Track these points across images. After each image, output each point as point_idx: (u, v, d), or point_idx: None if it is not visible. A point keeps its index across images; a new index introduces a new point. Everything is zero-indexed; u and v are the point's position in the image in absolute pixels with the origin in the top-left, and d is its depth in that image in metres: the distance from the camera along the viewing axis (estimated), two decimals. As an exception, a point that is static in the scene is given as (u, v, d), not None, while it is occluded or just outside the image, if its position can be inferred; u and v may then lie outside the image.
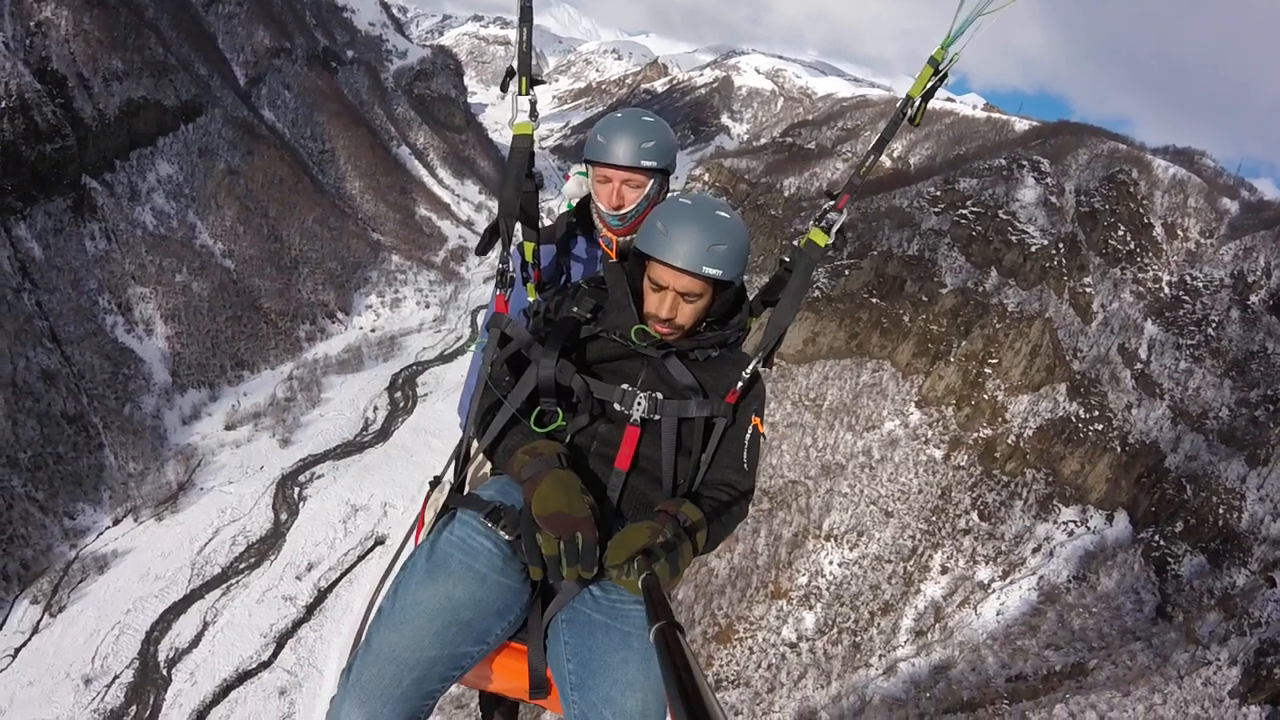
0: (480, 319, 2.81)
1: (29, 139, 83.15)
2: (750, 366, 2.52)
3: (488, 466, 2.64)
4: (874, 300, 70.36)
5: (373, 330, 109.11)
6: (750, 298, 2.75)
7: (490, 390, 2.49)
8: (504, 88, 2.73)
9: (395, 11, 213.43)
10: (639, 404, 2.36)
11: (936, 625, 54.29)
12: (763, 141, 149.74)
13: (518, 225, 2.84)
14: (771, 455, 64.03)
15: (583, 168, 3.07)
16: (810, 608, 56.21)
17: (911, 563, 57.53)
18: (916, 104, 2.67)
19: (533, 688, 2.16)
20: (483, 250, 2.88)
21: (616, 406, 2.39)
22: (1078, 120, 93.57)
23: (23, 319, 75.89)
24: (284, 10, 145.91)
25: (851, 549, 58.53)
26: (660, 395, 2.39)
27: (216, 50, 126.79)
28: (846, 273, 73.46)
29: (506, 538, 2.17)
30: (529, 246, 2.87)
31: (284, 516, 74.74)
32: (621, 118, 2.85)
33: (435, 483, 2.76)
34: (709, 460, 2.46)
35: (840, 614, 55.65)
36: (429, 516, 2.51)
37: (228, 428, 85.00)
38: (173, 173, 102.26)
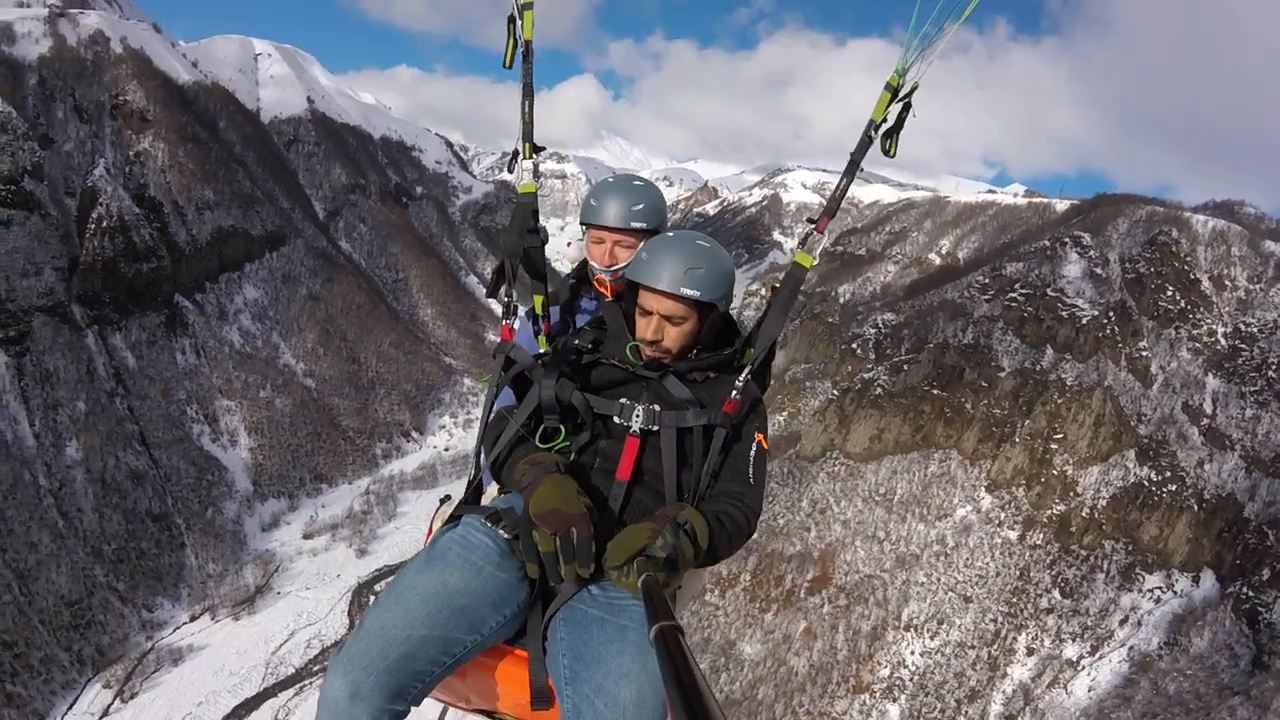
0: None
1: (127, 258, 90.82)
2: (744, 374, 2.58)
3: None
4: (935, 391, 71.18)
5: (446, 449, 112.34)
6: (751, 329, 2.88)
7: (498, 414, 2.63)
8: (510, 168, 3.01)
9: (458, 150, 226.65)
10: (637, 415, 2.45)
11: (1026, 708, 52.46)
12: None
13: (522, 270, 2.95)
14: (845, 552, 63.85)
15: (583, 235, 3.22)
16: (894, 700, 54.86)
17: (995, 646, 56.14)
18: (888, 140, 2.78)
19: (534, 697, 2.17)
20: (492, 292, 2.97)
21: (616, 419, 2.47)
22: (1119, 193, 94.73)
23: (114, 421, 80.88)
24: (358, 150, 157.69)
25: (933, 638, 57.42)
26: (658, 408, 2.48)
27: (297, 185, 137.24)
28: (906, 367, 74.64)
29: (505, 536, 2.24)
30: (538, 299, 2.98)
31: (359, 623, 75.27)
32: (613, 183, 3.07)
33: (445, 500, 2.81)
34: (711, 472, 2.52)
35: (925, 704, 54.26)
36: (436, 527, 2.60)
37: (306, 536, 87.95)
38: (258, 296, 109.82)
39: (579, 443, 2.48)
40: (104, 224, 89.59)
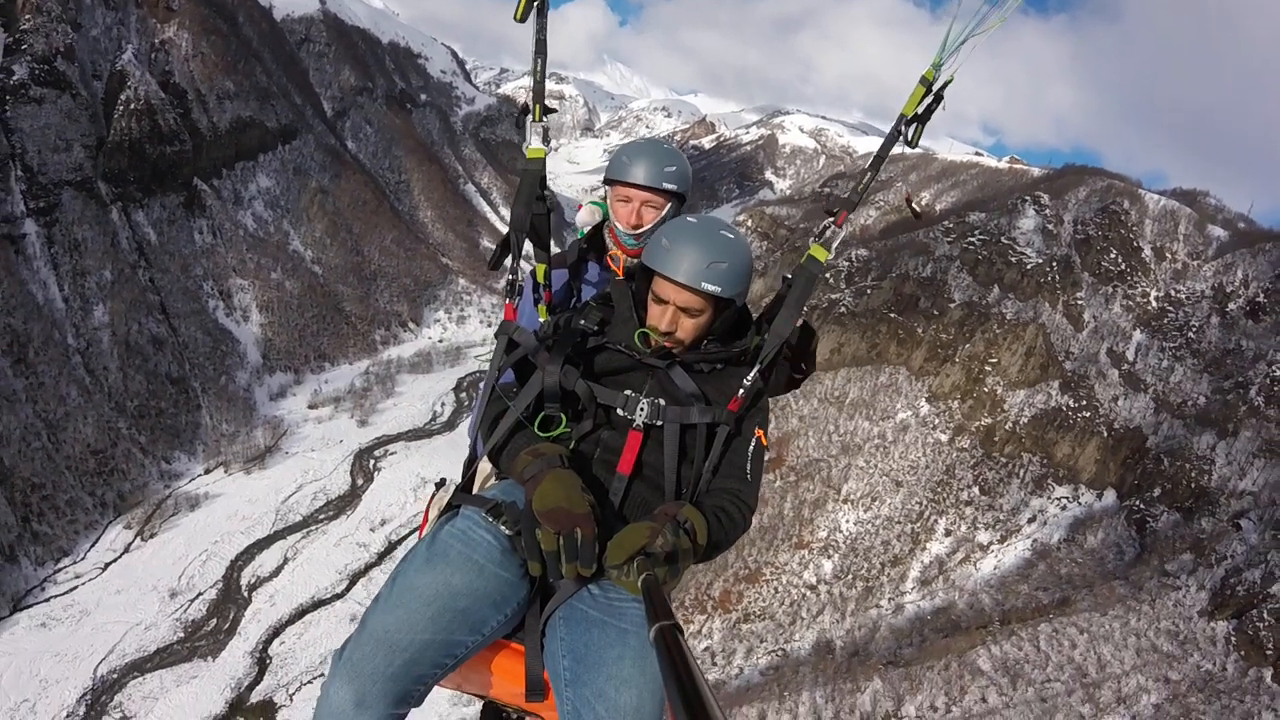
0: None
1: (152, 140, 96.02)
2: (751, 373, 2.55)
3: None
4: (892, 315, 78.66)
5: (440, 341, 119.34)
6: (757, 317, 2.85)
7: (497, 396, 2.54)
8: (519, 124, 2.90)
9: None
10: (641, 409, 2.42)
11: (940, 576, 60.78)
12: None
13: (528, 242, 2.92)
14: (799, 440, 71.78)
15: (596, 197, 3.26)
16: (829, 557, 63.27)
17: (918, 525, 64.44)
18: (913, 127, 2.80)
19: (529, 690, 2.19)
20: (494, 265, 2.94)
21: (619, 412, 2.45)
22: (1088, 165, 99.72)
23: (138, 291, 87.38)
24: (366, 54, 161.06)
25: (866, 511, 65.75)
26: (662, 402, 2.46)
27: (308, 83, 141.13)
28: (868, 292, 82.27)
29: (507, 533, 2.21)
30: (540, 268, 2.93)
31: (360, 481, 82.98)
32: (644, 143, 3.06)
33: (441, 484, 2.76)
34: (711, 469, 2.50)
35: (855, 563, 62.55)
36: (433, 515, 2.59)
37: (311, 406, 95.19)
38: (271, 185, 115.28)
39: (579, 431, 2.48)
40: (131, 106, 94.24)
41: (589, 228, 3.31)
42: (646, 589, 1.78)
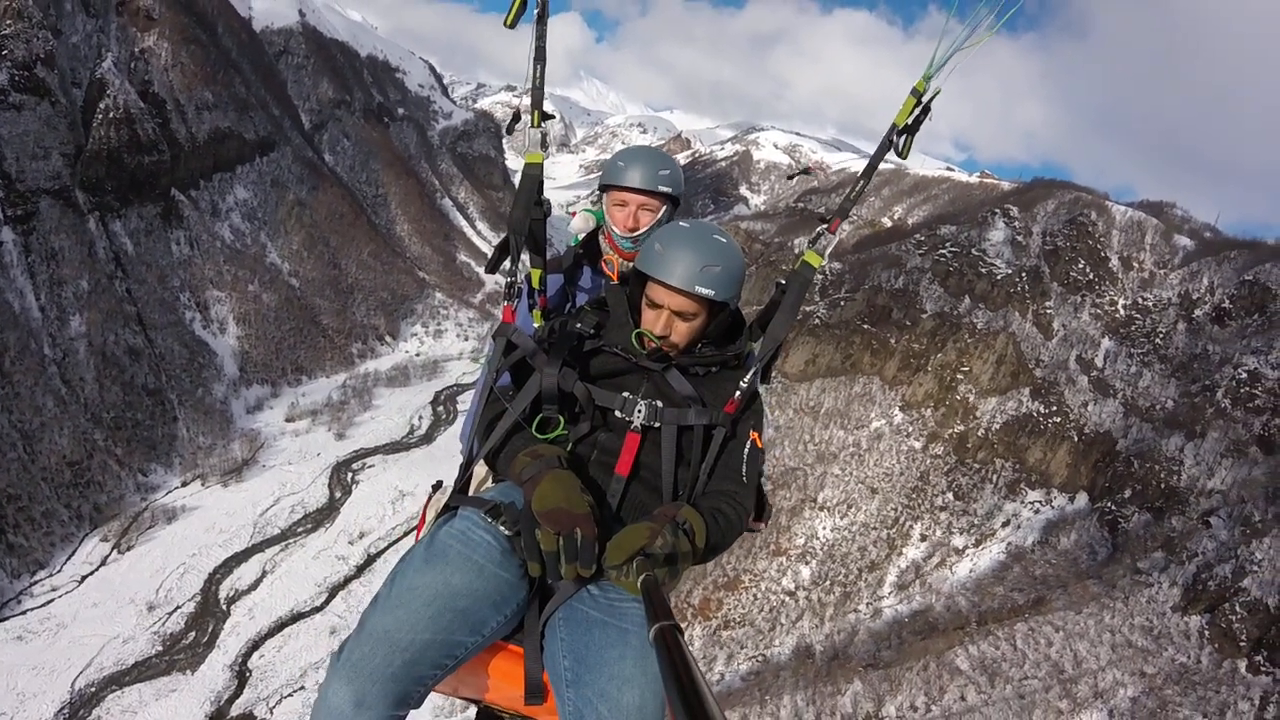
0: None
1: (131, 149, 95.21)
2: (748, 376, 2.58)
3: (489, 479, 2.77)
4: (865, 326, 79.69)
5: (417, 354, 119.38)
6: (750, 323, 2.87)
7: (494, 398, 2.55)
8: (510, 130, 2.94)
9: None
10: (639, 411, 2.43)
11: (916, 580, 61.79)
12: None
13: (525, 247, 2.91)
14: (775, 449, 72.33)
15: (589, 205, 3.31)
16: (806, 563, 64.05)
17: (894, 530, 65.43)
18: (903, 138, 2.84)
19: (528, 693, 2.16)
20: (492, 268, 2.98)
21: (617, 413, 2.46)
22: (1057, 179, 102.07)
23: (115, 301, 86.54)
24: (345, 67, 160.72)
25: (842, 518, 66.63)
26: (660, 404, 2.47)
27: (286, 96, 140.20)
28: (842, 304, 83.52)
29: (506, 533, 2.21)
30: (535, 273, 2.94)
31: (338, 494, 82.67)
32: (638, 148, 3.17)
33: (438, 486, 2.77)
34: (708, 471, 2.53)
35: (832, 569, 63.35)
36: (430, 516, 2.60)
37: (288, 419, 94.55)
38: (248, 197, 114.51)
39: (577, 434, 2.49)
40: (110, 115, 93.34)
41: (583, 234, 3.38)
42: (646, 589, 1.82)
